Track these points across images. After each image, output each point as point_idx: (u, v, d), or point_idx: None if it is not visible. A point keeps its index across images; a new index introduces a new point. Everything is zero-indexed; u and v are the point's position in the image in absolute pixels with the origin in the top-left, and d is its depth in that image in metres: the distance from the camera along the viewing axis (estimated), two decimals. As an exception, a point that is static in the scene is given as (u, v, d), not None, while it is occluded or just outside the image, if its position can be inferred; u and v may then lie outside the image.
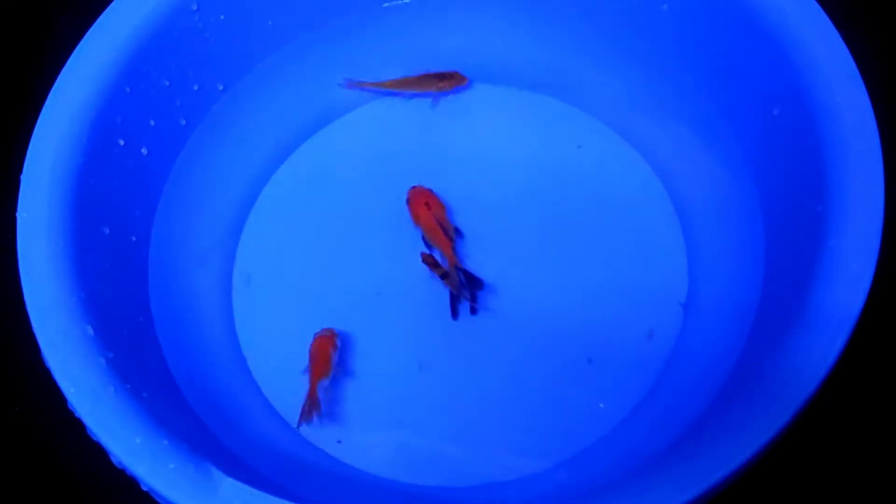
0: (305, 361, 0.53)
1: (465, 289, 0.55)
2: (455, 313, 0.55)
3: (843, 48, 0.48)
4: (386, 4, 0.61)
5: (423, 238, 0.57)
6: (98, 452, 0.42)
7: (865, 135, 0.45)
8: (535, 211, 0.58)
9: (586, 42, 0.60)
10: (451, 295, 0.55)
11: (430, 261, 0.55)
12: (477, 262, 0.57)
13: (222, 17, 0.56)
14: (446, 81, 0.60)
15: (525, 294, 0.56)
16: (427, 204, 0.56)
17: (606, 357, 0.53)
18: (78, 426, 0.42)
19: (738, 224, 0.54)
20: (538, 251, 0.57)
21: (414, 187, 0.58)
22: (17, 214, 0.47)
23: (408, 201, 0.57)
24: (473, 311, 0.55)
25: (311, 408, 0.52)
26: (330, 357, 0.53)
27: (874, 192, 0.44)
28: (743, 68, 0.53)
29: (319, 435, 0.53)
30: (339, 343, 0.54)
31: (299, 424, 0.52)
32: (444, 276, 0.54)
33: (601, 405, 0.52)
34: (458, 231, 0.57)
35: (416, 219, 0.57)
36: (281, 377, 0.55)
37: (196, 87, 0.57)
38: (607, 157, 0.60)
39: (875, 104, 0.46)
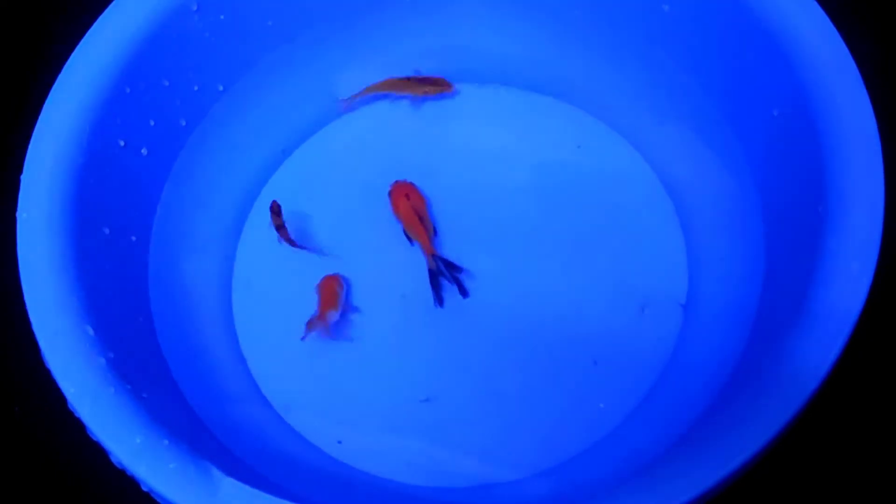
0: (305, 362, 0.54)
1: (443, 277, 0.56)
2: (440, 301, 0.55)
3: (843, 48, 0.47)
4: (386, 4, 0.61)
5: (404, 231, 0.57)
6: (98, 452, 0.42)
7: (865, 135, 0.45)
8: (535, 211, 0.58)
9: (586, 41, 0.60)
10: (432, 283, 0.56)
11: (275, 209, 0.57)
12: (477, 262, 0.57)
13: (222, 17, 0.56)
14: (431, 87, 0.61)
15: (526, 294, 0.56)
16: (406, 196, 0.57)
17: (610, 358, 0.53)
18: (78, 426, 0.42)
19: (738, 224, 0.54)
20: (538, 251, 0.57)
21: (396, 181, 0.58)
22: (17, 214, 0.47)
23: (389, 194, 0.58)
24: (464, 294, 0.55)
25: (318, 324, 0.53)
26: (337, 293, 0.54)
27: (874, 192, 0.44)
28: (743, 68, 0.53)
29: (319, 435, 0.53)
30: (343, 284, 0.55)
31: (304, 337, 0.54)
32: (278, 227, 0.57)
33: (601, 405, 0.52)
34: (433, 229, 0.58)
35: (396, 210, 0.58)
36: (281, 377, 0.55)
37: (196, 88, 0.57)
38: (607, 156, 0.60)
39: (875, 104, 0.46)
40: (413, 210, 0.57)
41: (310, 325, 0.54)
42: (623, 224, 0.57)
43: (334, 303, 0.54)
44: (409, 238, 0.57)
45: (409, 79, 0.61)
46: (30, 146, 0.49)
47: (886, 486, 0.51)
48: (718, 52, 0.54)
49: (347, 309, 0.56)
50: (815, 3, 0.49)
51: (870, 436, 0.52)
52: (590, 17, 0.59)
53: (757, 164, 0.53)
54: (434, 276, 0.56)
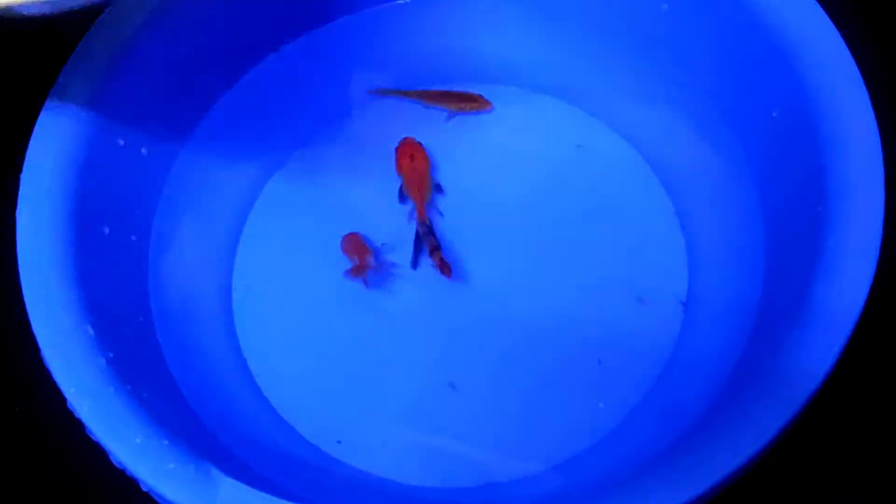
0: (305, 361, 0.54)
1: (424, 243, 0.56)
2: (415, 263, 0.56)
3: (843, 48, 0.47)
4: (386, 4, 0.61)
5: (401, 188, 0.58)
6: (98, 452, 0.42)
7: (866, 135, 0.45)
8: (535, 211, 0.58)
9: (586, 41, 0.60)
10: (415, 246, 0.56)
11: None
12: (475, 262, 0.57)
13: (222, 17, 0.56)
14: (468, 103, 0.61)
15: (526, 294, 0.56)
16: (411, 156, 0.58)
17: (611, 357, 0.53)
18: (78, 426, 0.42)
19: (738, 224, 0.54)
20: (537, 251, 0.57)
21: (405, 138, 0.59)
22: (17, 214, 0.47)
23: (396, 150, 0.59)
24: (440, 268, 0.56)
25: (362, 271, 0.55)
26: (366, 245, 0.56)
27: (874, 192, 0.44)
28: (743, 68, 0.53)
29: (319, 435, 0.53)
30: (364, 237, 0.56)
31: (359, 279, 0.55)
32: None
33: (601, 405, 0.52)
34: (438, 186, 0.59)
35: (399, 169, 0.58)
36: (281, 377, 0.55)
37: (196, 88, 0.57)
38: (607, 156, 0.60)
39: (875, 104, 0.46)
40: (415, 171, 0.57)
41: (355, 271, 0.55)
42: (623, 223, 0.57)
43: (368, 251, 0.55)
44: (403, 197, 0.58)
45: (445, 92, 0.61)
46: (30, 146, 0.49)
47: (886, 486, 0.51)
48: (718, 52, 0.54)
49: (382, 258, 0.57)
50: (815, 3, 0.49)
51: (870, 436, 0.52)
52: (590, 17, 0.59)
53: (757, 164, 0.53)
54: (419, 240, 0.56)
